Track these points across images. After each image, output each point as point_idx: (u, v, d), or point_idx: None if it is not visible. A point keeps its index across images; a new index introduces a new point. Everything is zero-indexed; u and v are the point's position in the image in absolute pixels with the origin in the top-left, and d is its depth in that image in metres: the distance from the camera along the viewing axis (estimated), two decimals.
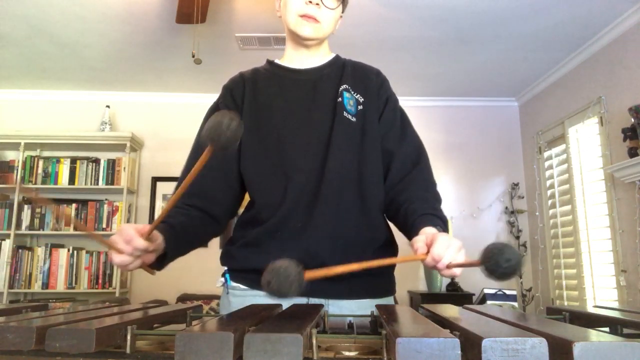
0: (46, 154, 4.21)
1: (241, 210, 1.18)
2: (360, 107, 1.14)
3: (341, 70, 1.19)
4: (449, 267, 0.82)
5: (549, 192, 3.93)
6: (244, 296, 1.08)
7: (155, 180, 4.28)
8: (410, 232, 0.96)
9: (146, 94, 4.42)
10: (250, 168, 1.13)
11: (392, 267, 1.17)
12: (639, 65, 2.97)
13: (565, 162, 3.70)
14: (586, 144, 3.50)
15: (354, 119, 1.11)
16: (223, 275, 1.14)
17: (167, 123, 4.39)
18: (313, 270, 0.67)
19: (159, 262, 0.93)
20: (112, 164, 4.09)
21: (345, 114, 1.11)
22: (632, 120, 2.84)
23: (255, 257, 1.07)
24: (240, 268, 1.11)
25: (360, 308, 1.04)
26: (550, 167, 3.93)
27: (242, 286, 1.10)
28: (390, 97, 1.20)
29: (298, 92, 1.16)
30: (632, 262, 2.96)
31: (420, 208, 1.02)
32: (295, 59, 1.20)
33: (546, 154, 3.98)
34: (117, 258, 0.83)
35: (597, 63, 3.38)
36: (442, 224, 0.97)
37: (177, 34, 3.28)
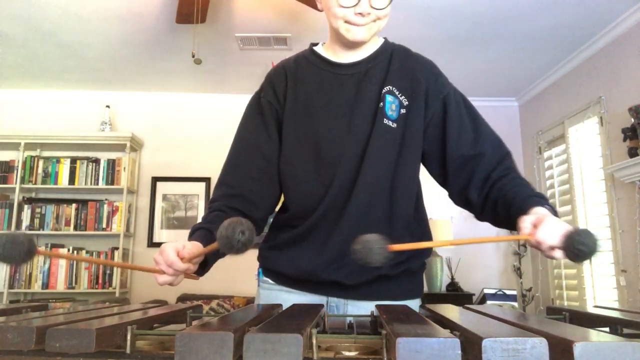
0: (46, 154, 4.21)
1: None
2: (402, 111, 1.06)
3: (387, 64, 1.09)
4: (552, 248, 0.79)
5: (549, 192, 3.93)
6: (270, 289, 1.15)
7: (155, 180, 4.28)
8: (518, 214, 0.88)
9: (146, 94, 4.42)
10: (287, 172, 1.11)
11: (416, 271, 1.14)
12: (639, 65, 2.97)
13: (565, 162, 3.70)
14: (586, 144, 3.50)
15: (394, 125, 1.05)
16: (258, 269, 1.21)
17: (167, 123, 4.39)
18: (397, 245, 0.74)
19: (201, 269, 0.98)
20: (112, 164, 4.09)
21: (385, 120, 1.04)
22: (632, 120, 2.84)
23: (279, 260, 1.12)
24: (267, 267, 1.17)
25: None
26: (550, 167, 3.92)
27: (270, 280, 1.16)
28: (448, 96, 1.09)
29: (340, 91, 1.09)
30: (632, 262, 2.95)
31: (525, 192, 0.96)
32: (340, 53, 1.11)
33: (546, 154, 3.98)
34: (161, 279, 0.88)
35: (597, 63, 3.38)
36: (550, 207, 0.91)
37: (177, 34, 3.28)
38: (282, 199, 1.17)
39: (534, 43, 3.40)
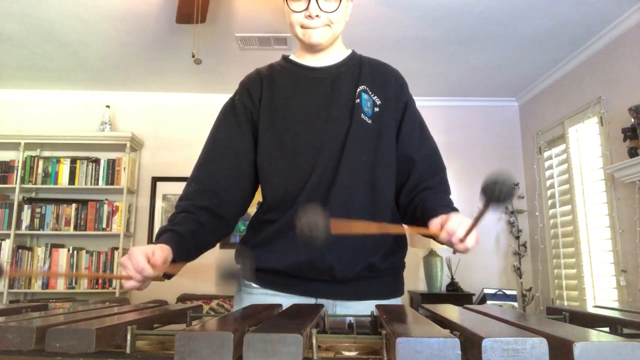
0: (46, 154, 4.21)
1: (252, 209, 1.18)
2: (377, 110, 1.13)
3: (359, 69, 1.17)
4: (462, 241, 0.89)
5: (549, 192, 3.93)
6: (255, 294, 1.10)
7: (155, 180, 4.28)
8: (428, 219, 0.98)
9: (146, 94, 4.42)
10: (265, 166, 1.12)
11: (400, 269, 1.17)
12: (639, 65, 2.97)
13: (565, 162, 3.69)
14: (586, 144, 3.50)
15: (370, 121, 1.11)
16: None
17: (167, 123, 4.39)
18: (340, 222, 0.76)
19: (168, 273, 0.96)
20: (112, 164, 4.09)
21: (362, 115, 1.10)
22: (632, 120, 2.84)
23: (265, 257, 1.07)
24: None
25: (367, 309, 1.04)
26: (550, 167, 3.92)
27: (253, 285, 1.11)
28: (409, 102, 1.19)
29: (315, 91, 1.14)
30: (632, 262, 2.95)
31: (436, 204, 1.05)
32: (309, 58, 1.19)
33: (546, 154, 3.98)
34: (128, 284, 0.87)
35: (597, 63, 3.38)
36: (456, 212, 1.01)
37: (177, 34, 3.28)
38: (260, 199, 1.16)
39: (534, 43, 3.40)
